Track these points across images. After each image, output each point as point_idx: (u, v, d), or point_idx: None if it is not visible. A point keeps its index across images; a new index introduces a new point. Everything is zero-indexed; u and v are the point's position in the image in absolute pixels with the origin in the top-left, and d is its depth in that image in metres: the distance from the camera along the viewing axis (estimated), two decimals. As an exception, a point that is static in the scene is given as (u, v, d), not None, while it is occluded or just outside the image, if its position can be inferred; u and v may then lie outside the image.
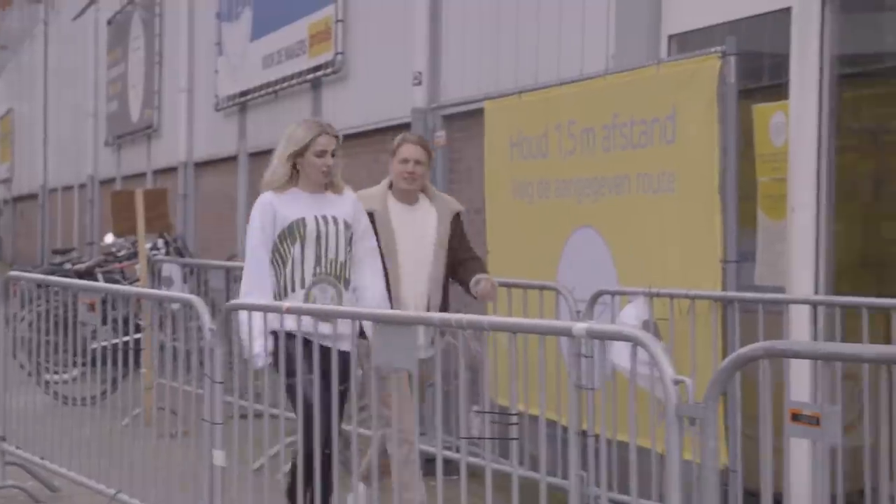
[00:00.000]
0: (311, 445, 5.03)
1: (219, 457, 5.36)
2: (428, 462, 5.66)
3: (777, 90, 6.52)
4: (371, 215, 6.09)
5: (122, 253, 12.83)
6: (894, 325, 5.23)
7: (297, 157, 5.74)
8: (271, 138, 13.56)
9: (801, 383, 5.83)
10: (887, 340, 5.27)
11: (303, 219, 5.68)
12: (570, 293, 6.71)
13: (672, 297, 6.10)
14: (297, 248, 5.65)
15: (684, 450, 3.72)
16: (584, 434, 6.10)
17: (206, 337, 5.50)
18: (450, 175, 9.24)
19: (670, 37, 7.28)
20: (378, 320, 4.58)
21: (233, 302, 5.67)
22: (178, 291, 10.05)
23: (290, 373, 5.34)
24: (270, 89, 13.33)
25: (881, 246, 7.21)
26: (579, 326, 3.96)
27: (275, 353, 5.41)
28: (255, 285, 5.64)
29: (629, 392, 4.19)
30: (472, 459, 4.84)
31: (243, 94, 14.27)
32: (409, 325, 4.57)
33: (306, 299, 5.59)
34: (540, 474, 4.13)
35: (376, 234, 6.05)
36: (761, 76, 7.05)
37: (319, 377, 5.00)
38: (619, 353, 5.27)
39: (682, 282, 6.15)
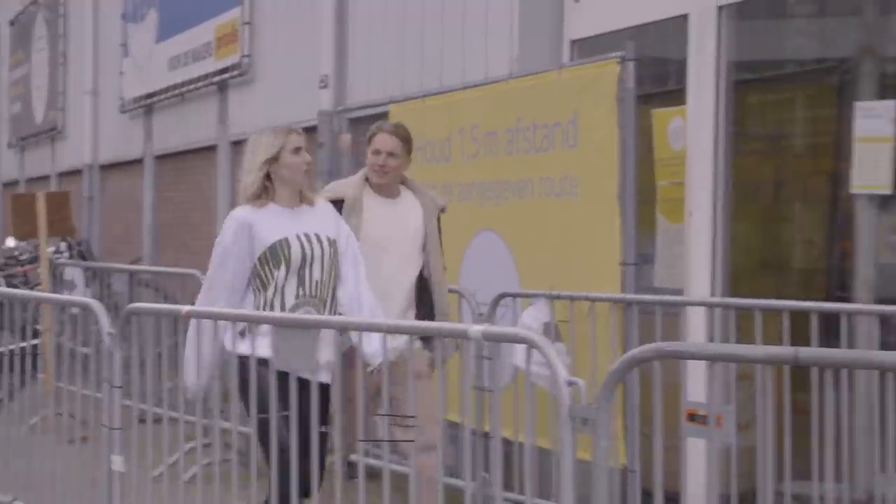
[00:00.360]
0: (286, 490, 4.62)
1: (117, 462, 5.30)
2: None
3: (678, 95, 6.63)
4: (340, 203, 5.62)
5: (24, 256, 12.66)
6: (786, 327, 5.34)
7: (271, 163, 5.32)
8: (178, 141, 13.54)
9: (697, 384, 5.93)
10: (781, 341, 5.37)
11: (286, 239, 5.25)
12: (473, 296, 6.75)
13: (572, 299, 6.16)
14: (280, 272, 5.23)
15: (584, 450, 3.77)
16: (486, 436, 6.14)
17: (105, 341, 5.45)
18: (356, 178, 9.23)
19: (573, 42, 7.36)
20: (277, 324, 4.57)
21: (133, 305, 5.61)
22: (81, 295, 9.92)
23: (259, 408, 4.78)
24: (176, 91, 13.23)
25: (779, 248, 7.36)
26: (475, 329, 4.00)
27: (243, 381, 4.91)
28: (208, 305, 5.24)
29: (525, 393, 4.24)
30: (371, 461, 4.85)
31: (149, 96, 14.15)
32: (309, 329, 4.56)
33: None
34: (438, 475, 4.16)
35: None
36: (664, 81, 7.16)
37: (296, 415, 4.53)
38: (522, 356, 5.32)
39: (584, 284, 6.21)
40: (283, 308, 5.20)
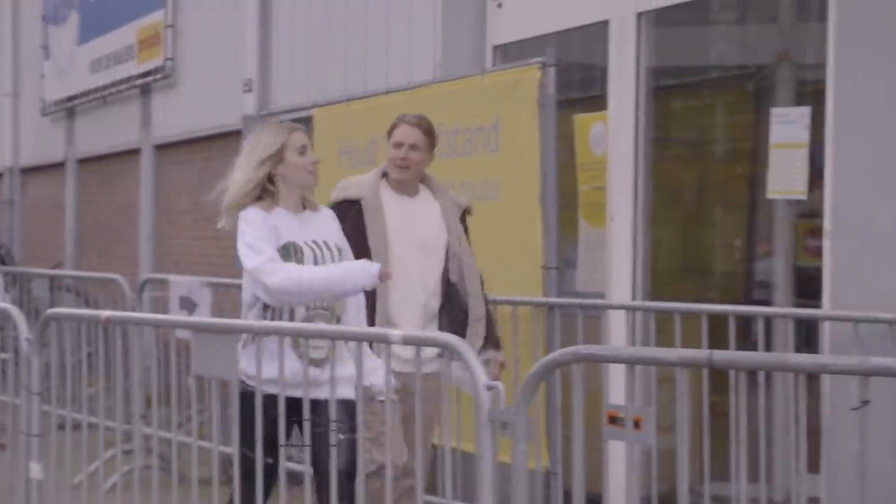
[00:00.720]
0: None
1: (35, 470, 5.24)
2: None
3: (600, 100, 6.69)
4: (357, 203, 5.17)
5: (-57, 261, 12.46)
6: (704, 329, 5.42)
7: (273, 163, 4.78)
8: (100, 144, 13.39)
9: (620, 387, 5.98)
10: (700, 344, 5.44)
11: (295, 243, 4.73)
12: (397, 300, 6.74)
13: (495, 303, 6.18)
14: None
15: (506, 453, 3.79)
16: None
17: (23, 347, 5.38)
18: (280, 182, 9.22)
19: (495, 47, 7.40)
20: (194, 328, 4.55)
21: (51, 310, 5.55)
22: (0, 300, 9.78)
23: (248, 441, 4.33)
24: (99, 94, 13.09)
25: (700, 252, 7.45)
26: (396, 333, 4.02)
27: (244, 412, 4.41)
28: (304, 287, 4.61)
29: (443, 398, 4.26)
30: (291, 465, 4.85)
31: (71, 98, 13.98)
32: (228, 334, 4.54)
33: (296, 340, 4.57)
34: (357, 479, 4.18)
35: (363, 227, 5.12)
36: (587, 87, 7.22)
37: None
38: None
39: (506, 288, 6.24)
40: (291, 319, 4.69)
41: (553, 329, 6.03)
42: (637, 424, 3.97)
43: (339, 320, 4.78)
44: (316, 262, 4.71)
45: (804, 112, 5.54)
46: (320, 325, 4.33)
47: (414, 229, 5.19)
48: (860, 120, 5.20)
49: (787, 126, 5.56)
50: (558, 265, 6.19)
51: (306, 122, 8.30)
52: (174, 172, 11.76)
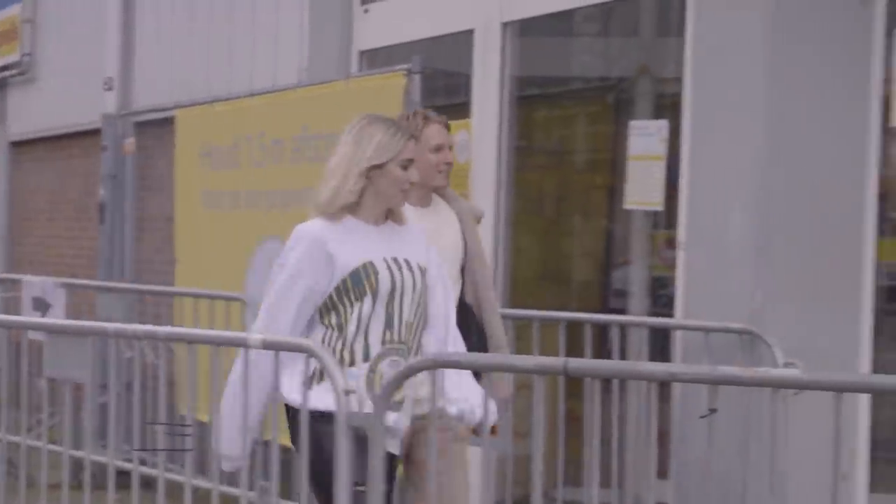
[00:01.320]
0: None
1: None
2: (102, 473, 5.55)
3: (465, 108, 6.75)
4: None
5: None
6: (562, 337, 5.50)
7: (374, 169, 4.10)
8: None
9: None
10: (557, 351, 5.52)
11: (371, 263, 4.03)
12: (257, 305, 6.70)
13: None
14: (365, 306, 4.01)
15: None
16: (266, 444, 6.10)
17: None
18: (141, 182, 9.09)
19: (361, 52, 7.41)
20: (48, 330, 4.46)
21: None
22: None
23: (327, 471, 3.81)
24: (-48, 89, 12.74)
25: (560, 261, 7.56)
26: (255, 337, 4.00)
27: (317, 443, 3.91)
28: (228, 391, 4.09)
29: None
30: (145, 469, 4.78)
31: (-78, 93, 13.58)
32: (85, 336, 4.47)
33: (371, 378, 3.96)
34: (212, 483, 4.14)
35: None
36: (453, 94, 7.28)
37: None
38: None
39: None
40: (366, 355, 4.00)
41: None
42: (493, 430, 4.02)
43: (411, 354, 4.09)
44: (393, 284, 4.04)
45: (662, 125, 5.66)
46: (183, 330, 4.24)
47: (436, 243, 4.43)
48: (715, 133, 5.33)
49: (645, 138, 5.67)
50: (420, 271, 6.21)
51: (169, 123, 8.21)
52: (30, 170, 11.51)
